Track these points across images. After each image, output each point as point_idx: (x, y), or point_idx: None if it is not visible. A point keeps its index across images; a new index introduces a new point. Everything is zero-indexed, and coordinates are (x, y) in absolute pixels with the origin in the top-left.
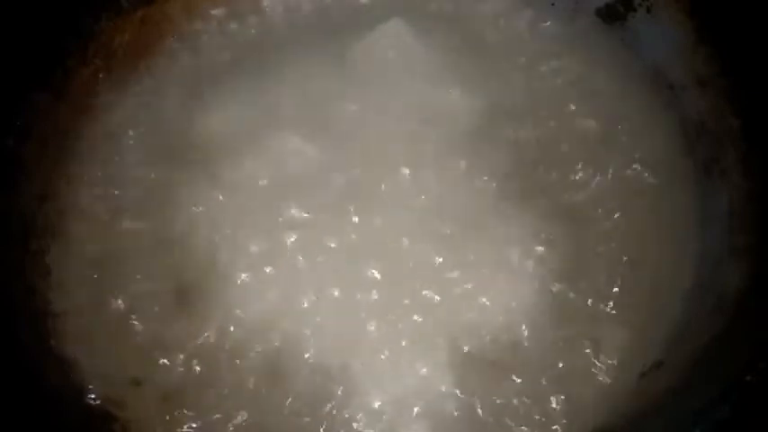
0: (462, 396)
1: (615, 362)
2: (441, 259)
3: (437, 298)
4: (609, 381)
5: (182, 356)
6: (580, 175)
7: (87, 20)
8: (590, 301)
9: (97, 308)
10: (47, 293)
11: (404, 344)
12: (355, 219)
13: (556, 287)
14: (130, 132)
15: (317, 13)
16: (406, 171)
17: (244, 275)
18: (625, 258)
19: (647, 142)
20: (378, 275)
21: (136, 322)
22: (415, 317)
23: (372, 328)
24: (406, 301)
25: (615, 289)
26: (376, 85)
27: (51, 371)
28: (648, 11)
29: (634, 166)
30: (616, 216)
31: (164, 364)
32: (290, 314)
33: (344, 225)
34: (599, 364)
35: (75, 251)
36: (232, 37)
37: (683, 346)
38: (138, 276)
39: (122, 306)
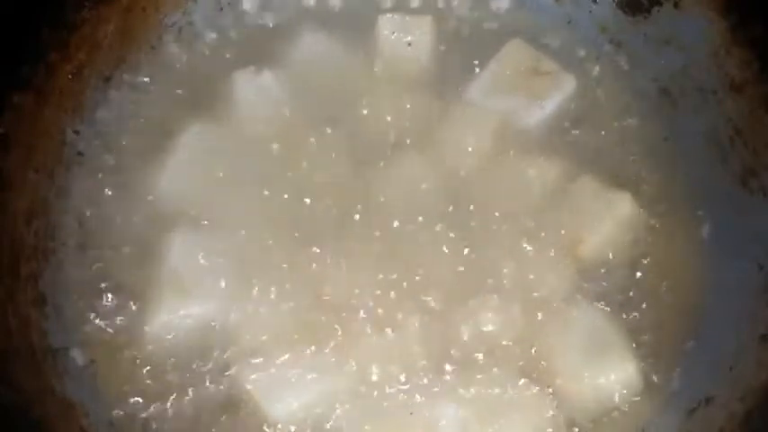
0: None
1: None
2: None
3: None
4: None
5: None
6: None
7: (67, 9)
8: None
9: (102, 340)
10: (43, 325)
11: None
12: None
13: None
14: (122, 132)
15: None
16: None
17: None
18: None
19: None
20: None
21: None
22: None
23: None
24: None
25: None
26: None
27: (53, 416)
28: (676, 6)
29: None
30: None
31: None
32: None
33: None
34: None
35: (70, 274)
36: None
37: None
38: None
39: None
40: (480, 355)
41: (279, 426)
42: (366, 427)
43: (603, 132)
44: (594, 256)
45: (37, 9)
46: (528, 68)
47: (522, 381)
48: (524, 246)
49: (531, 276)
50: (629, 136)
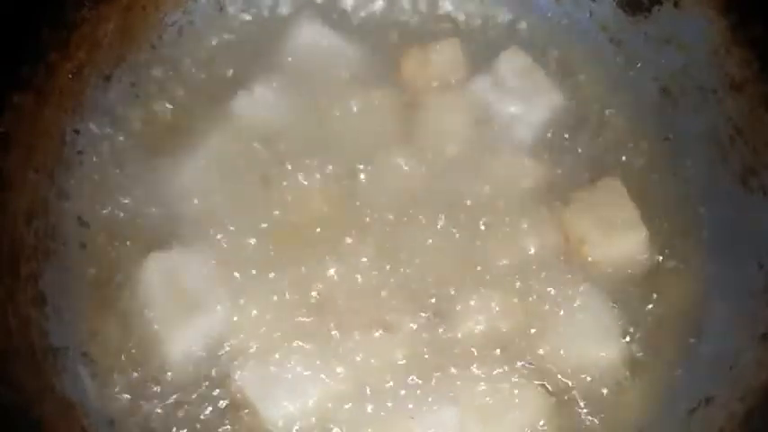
0: None
1: None
2: None
3: None
4: None
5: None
6: None
7: (67, 8)
8: None
9: (102, 340)
10: (43, 325)
11: None
12: None
13: None
14: (122, 132)
15: None
16: None
17: None
18: None
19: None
20: None
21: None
22: None
23: None
24: None
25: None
26: None
27: (53, 416)
28: (676, 5)
29: None
30: None
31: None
32: None
33: None
34: None
35: (70, 274)
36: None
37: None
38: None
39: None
40: (479, 355)
41: (277, 429)
42: (368, 430)
43: (603, 132)
44: (594, 255)
45: (37, 9)
46: (527, 70)
47: (522, 380)
48: (524, 246)
49: (531, 276)
50: (629, 136)
